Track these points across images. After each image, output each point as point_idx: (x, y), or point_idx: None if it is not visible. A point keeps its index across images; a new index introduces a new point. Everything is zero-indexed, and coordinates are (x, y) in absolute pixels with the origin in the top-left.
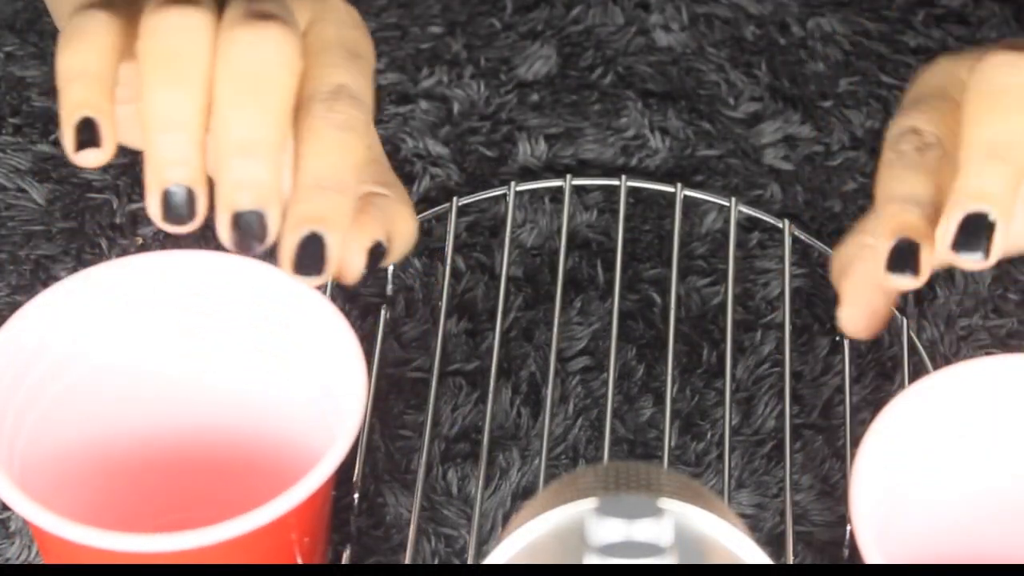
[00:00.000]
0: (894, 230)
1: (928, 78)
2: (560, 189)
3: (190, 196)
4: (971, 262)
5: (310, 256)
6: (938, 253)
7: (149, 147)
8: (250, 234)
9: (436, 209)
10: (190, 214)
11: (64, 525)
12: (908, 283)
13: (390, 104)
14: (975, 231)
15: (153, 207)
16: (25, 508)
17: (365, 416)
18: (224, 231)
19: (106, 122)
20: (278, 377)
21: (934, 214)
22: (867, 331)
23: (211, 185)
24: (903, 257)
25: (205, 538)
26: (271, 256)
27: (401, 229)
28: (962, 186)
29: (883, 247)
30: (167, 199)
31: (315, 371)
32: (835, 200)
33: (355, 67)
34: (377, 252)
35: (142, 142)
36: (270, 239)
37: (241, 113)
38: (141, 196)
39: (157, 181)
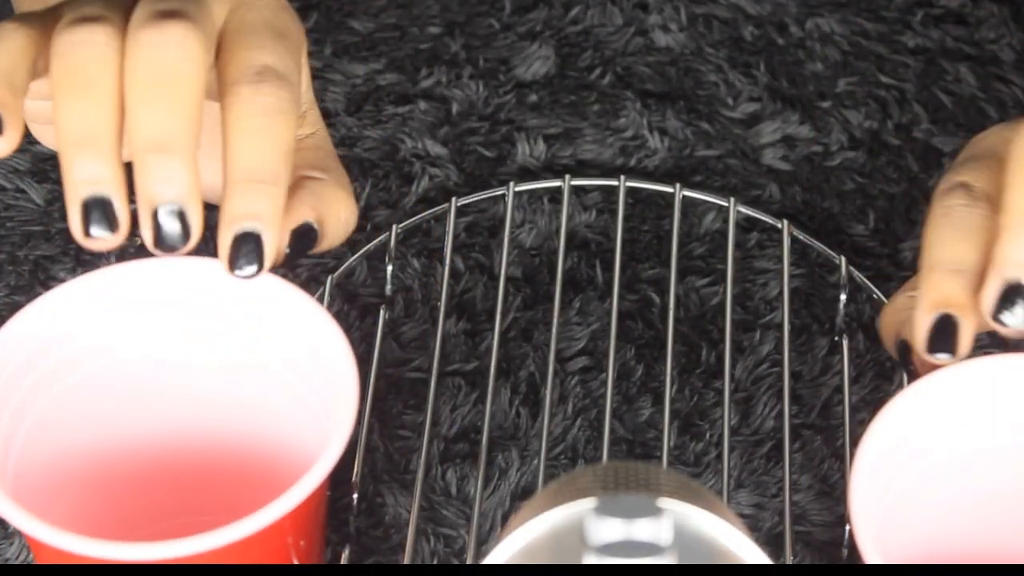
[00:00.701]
0: (935, 303)
1: (980, 139)
2: (559, 189)
3: (107, 206)
4: (1013, 330)
5: (246, 254)
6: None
7: (63, 162)
8: (172, 231)
9: (435, 209)
10: (111, 224)
11: (54, 534)
12: (947, 361)
13: (389, 104)
14: (1015, 299)
15: (74, 221)
16: (17, 518)
17: (364, 416)
18: (146, 230)
19: (8, 114)
20: (271, 381)
21: (978, 278)
22: None
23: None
24: (942, 336)
25: (199, 545)
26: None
27: (335, 212)
28: (1001, 253)
29: (924, 322)
30: (86, 212)
31: (309, 374)
32: (833, 200)
33: (281, 47)
34: (304, 234)
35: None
36: (194, 235)
37: (151, 111)
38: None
39: (74, 195)
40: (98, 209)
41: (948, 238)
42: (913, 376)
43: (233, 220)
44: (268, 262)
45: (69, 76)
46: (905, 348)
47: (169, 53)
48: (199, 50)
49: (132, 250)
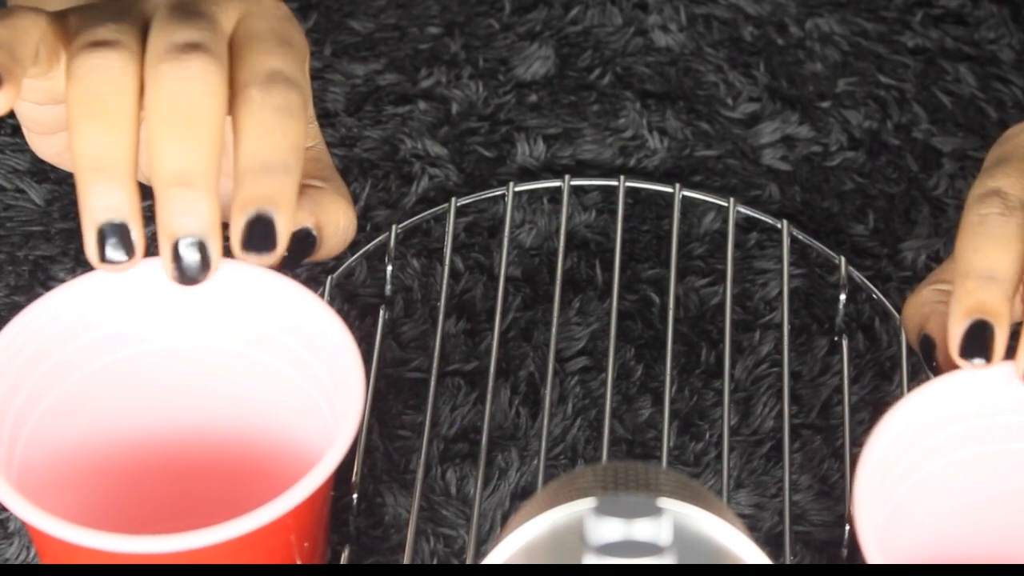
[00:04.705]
0: (970, 310)
1: (1011, 137)
2: (559, 189)
3: (124, 232)
4: None
5: (259, 237)
6: None
7: (80, 187)
8: (192, 263)
9: (435, 209)
10: (127, 250)
11: (59, 526)
12: (981, 366)
13: (389, 104)
14: None
15: (89, 245)
16: (20, 508)
17: (364, 416)
18: (167, 262)
19: (8, 74)
20: (277, 379)
21: (1013, 288)
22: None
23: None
24: (976, 342)
25: (203, 540)
26: None
27: (333, 220)
28: None
29: (957, 328)
30: (101, 237)
31: (313, 373)
32: (833, 200)
33: (288, 54)
34: (302, 239)
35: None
36: (213, 267)
37: (174, 146)
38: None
39: (90, 220)
40: (114, 235)
41: (983, 247)
42: (936, 372)
43: (246, 204)
44: (281, 246)
45: (86, 102)
46: (929, 343)
47: (191, 88)
48: (219, 83)
49: None
